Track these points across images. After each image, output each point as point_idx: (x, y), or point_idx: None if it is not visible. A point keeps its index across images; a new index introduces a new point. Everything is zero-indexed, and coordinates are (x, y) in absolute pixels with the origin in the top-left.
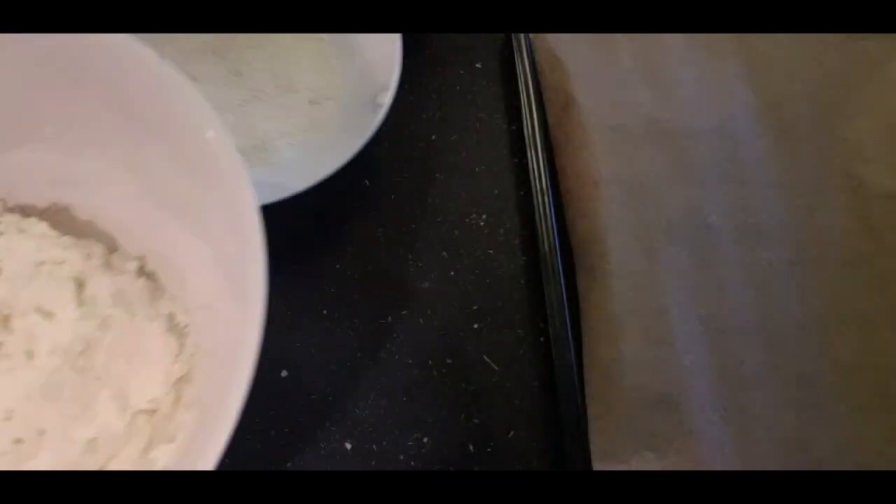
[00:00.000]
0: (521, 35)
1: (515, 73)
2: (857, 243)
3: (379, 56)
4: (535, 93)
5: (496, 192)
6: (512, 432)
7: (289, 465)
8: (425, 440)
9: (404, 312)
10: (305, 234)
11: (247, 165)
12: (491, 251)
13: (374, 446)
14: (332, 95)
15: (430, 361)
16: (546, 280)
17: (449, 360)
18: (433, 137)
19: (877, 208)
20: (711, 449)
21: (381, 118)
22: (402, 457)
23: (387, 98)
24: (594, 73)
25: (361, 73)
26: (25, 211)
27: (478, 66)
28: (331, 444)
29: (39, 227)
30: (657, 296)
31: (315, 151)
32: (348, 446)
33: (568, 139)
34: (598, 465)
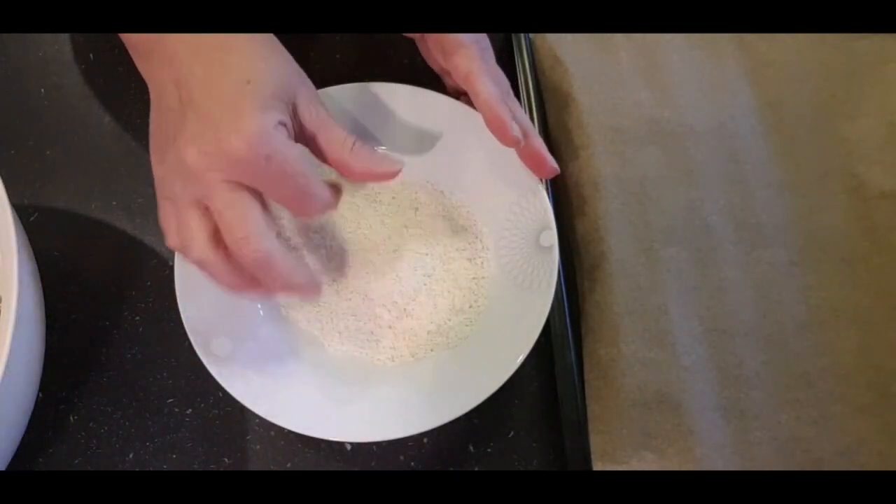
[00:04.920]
0: (521, 35)
1: (515, 73)
2: (857, 243)
3: None
4: (535, 93)
5: None
6: (512, 432)
7: (289, 465)
8: (425, 440)
9: None
10: None
11: None
12: None
13: (374, 446)
14: None
15: None
16: None
17: None
18: None
19: (877, 208)
20: (711, 449)
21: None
22: (402, 457)
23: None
24: (594, 73)
25: None
26: None
27: None
28: (331, 444)
29: None
30: (657, 296)
31: None
32: (348, 446)
33: (568, 139)
34: (598, 465)
